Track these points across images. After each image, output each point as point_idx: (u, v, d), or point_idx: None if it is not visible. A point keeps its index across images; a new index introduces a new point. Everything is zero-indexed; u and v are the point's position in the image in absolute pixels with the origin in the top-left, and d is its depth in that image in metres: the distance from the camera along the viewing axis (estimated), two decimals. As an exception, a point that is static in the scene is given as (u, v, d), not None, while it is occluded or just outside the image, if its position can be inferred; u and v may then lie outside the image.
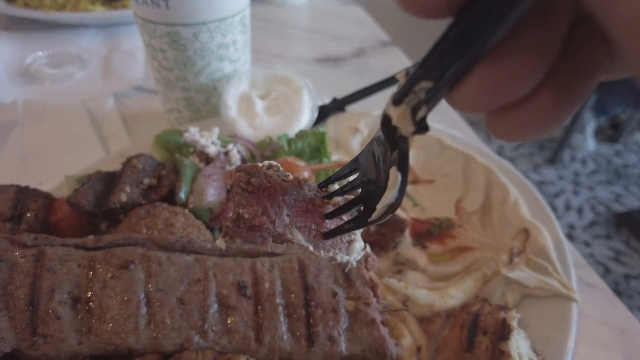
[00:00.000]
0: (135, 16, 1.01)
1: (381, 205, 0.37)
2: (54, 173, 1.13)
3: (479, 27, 0.25)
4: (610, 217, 4.14)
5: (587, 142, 4.63)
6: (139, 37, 1.65)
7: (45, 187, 0.96)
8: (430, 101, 0.31)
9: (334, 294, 0.67)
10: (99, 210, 0.75)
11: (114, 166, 1.01)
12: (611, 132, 4.91)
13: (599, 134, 4.92)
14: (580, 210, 4.19)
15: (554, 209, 4.03)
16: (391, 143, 0.36)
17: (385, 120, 0.35)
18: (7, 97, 1.31)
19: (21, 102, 1.27)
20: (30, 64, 1.47)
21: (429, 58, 0.29)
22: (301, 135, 0.97)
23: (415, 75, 0.30)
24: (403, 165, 0.35)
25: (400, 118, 0.33)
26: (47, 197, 0.83)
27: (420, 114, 0.31)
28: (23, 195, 0.82)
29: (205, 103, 1.10)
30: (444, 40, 0.27)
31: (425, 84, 0.30)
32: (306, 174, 0.84)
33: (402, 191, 0.36)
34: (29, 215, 0.80)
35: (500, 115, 0.30)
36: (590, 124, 4.55)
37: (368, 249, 0.77)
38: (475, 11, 0.25)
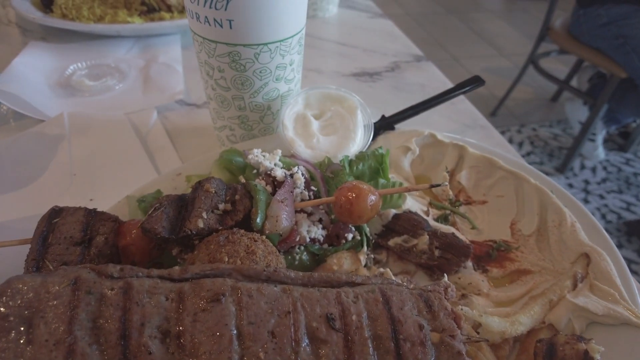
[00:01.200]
0: (193, 34, 1.00)
1: None
2: (103, 188, 1.13)
3: None
4: (621, 225, 4.15)
5: (598, 150, 4.65)
6: (175, 49, 1.66)
7: (98, 204, 0.97)
8: None
9: (421, 327, 0.66)
10: (174, 237, 0.75)
11: (171, 185, 1.01)
12: (621, 141, 4.93)
13: (609, 142, 4.93)
14: (590, 219, 4.19)
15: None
16: None
17: None
18: (51, 109, 1.31)
19: (67, 115, 1.26)
20: (71, 75, 1.47)
21: None
22: (361, 157, 0.97)
23: None
24: None
25: None
26: (116, 221, 0.82)
27: None
28: (92, 218, 0.81)
29: (258, 122, 1.10)
30: None
31: None
32: (374, 198, 0.84)
33: None
34: (98, 239, 0.80)
35: None
36: (600, 133, 4.56)
37: (445, 278, 0.77)
38: None
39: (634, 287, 0.87)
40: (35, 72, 1.46)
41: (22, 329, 0.59)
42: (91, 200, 1.10)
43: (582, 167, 4.67)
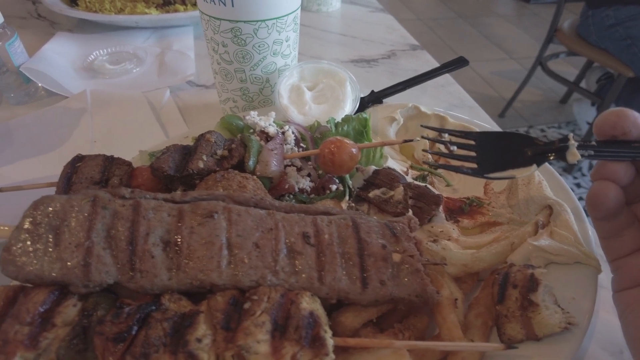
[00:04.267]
0: (201, 13, 1.14)
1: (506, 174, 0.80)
2: (121, 152, 1.26)
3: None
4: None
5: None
6: (188, 38, 1.81)
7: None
8: (590, 157, 0.66)
9: (384, 247, 0.77)
10: (179, 175, 0.88)
11: (179, 145, 1.14)
12: (631, 142, 4.92)
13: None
14: (599, 219, 4.20)
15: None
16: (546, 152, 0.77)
17: (563, 145, 0.72)
18: (75, 88, 1.47)
19: (89, 92, 1.41)
20: (93, 61, 1.63)
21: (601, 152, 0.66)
22: (347, 119, 1.09)
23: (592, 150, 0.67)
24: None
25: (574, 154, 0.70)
26: (129, 165, 0.96)
27: (582, 157, 0.68)
28: (109, 163, 0.95)
29: (258, 94, 1.23)
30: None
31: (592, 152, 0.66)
32: (354, 150, 0.95)
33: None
34: (114, 179, 0.93)
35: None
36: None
37: (410, 213, 0.87)
38: None
39: (589, 233, 0.97)
40: (61, 57, 1.62)
41: (50, 234, 0.72)
42: (109, 162, 1.23)
43: (590, 167, 4.68)
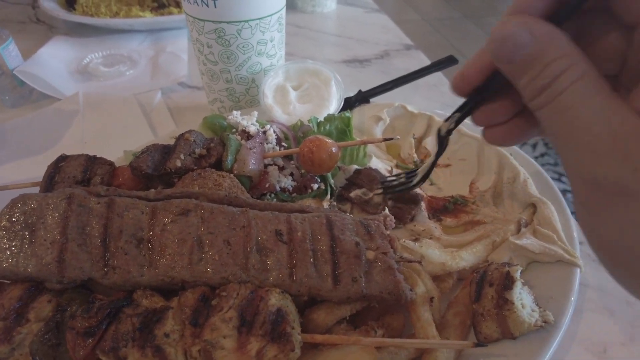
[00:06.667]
0: (186, 15, 1.16)
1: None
2: (110, 153, 1.28)
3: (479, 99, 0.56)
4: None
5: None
6: (182, 40, 1.83)
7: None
8: (458, 122, 0.62)
9: (357, 244, 0.77)
10: (157, 173, 0.89)
11: (165, 145, 1.15)
12: None
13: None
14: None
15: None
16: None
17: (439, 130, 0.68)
18: (69, 90, 1.49)
19: (82, 94, 1.43)
20: (88, 64, 1.65)
21: (461, 107, 0.59)
22: (329, 118, 1.09)
23: (455, 111, 0.61)
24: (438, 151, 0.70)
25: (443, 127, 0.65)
26: (111, 165, 0.97)
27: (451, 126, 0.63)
28: (91, 162, 0.96)
29: (244, 94, 1.24)
30: (466, 103, 0.58)
31: (457, 114, 0.60)
32: (334, 149, 0.96)
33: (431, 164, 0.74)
34: (95, 179, 0.94)
35: (492, 129, 0.57)
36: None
37: (387, 211, 0.87)
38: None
39: (573, 232, 0.96)
40: (56, 60, 1.65)
41: (26, 231, 0.73)
42: (99, 162, 1.25)
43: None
